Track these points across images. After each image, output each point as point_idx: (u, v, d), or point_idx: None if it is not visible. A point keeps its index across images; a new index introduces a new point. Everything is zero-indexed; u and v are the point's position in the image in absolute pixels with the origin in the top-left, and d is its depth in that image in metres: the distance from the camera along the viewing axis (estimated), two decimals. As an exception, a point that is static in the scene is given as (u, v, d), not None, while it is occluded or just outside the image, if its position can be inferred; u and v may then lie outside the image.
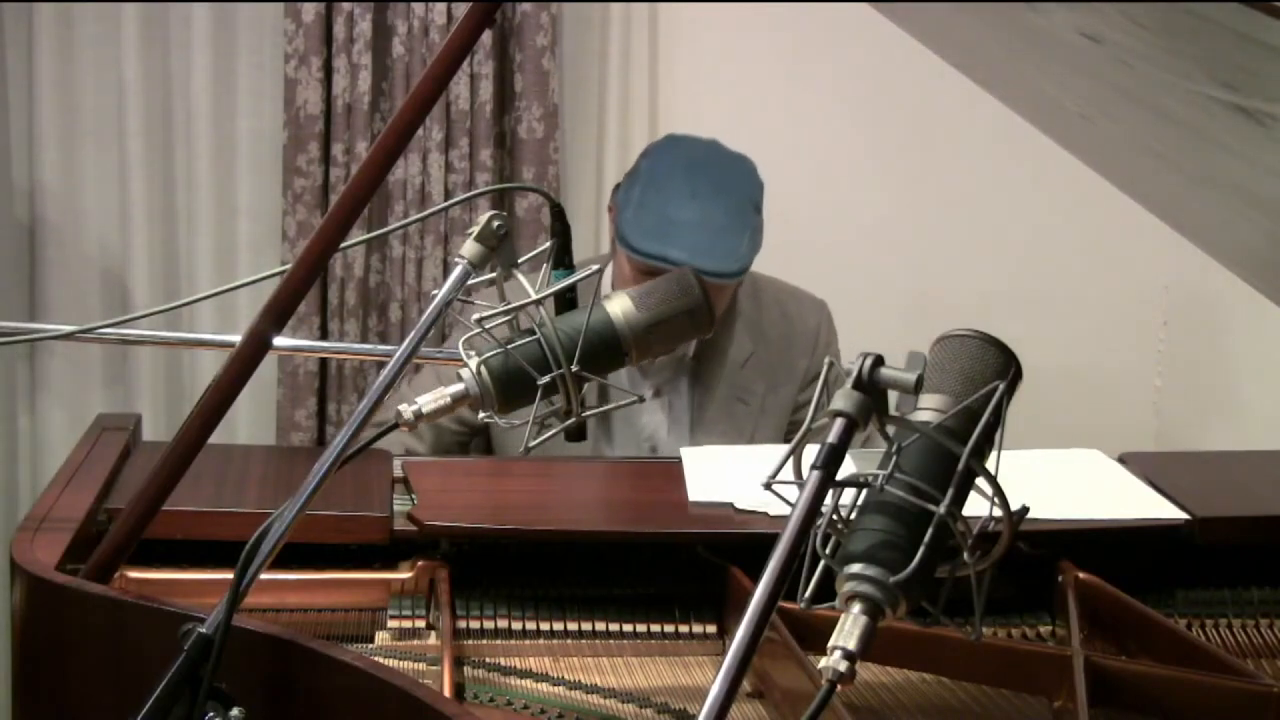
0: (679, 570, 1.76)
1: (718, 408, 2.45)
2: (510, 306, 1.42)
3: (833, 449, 1.04)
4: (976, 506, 1.05)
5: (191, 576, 1.67)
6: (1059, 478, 1.93)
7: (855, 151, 3.14)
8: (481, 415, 1.40)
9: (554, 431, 1.42)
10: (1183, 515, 1.83)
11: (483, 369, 1.39)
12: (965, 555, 1.05)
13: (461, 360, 1.40)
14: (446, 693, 1.48)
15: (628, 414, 2.44)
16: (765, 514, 1.75)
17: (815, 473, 1.03)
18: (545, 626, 1.70)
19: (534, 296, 1.41)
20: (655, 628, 1.72)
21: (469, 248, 1.44)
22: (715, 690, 0.97)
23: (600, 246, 3.06)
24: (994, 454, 1.07)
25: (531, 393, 1.38)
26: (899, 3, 1.62)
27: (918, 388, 1.07)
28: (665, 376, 2.45)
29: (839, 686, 0.96)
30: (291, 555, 1.46)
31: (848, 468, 1.05)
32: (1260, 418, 2.94)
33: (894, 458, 1.05)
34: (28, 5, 2.88)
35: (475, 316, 1.41)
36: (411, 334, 1.41)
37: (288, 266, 1.52)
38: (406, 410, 1.36)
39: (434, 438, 2.39)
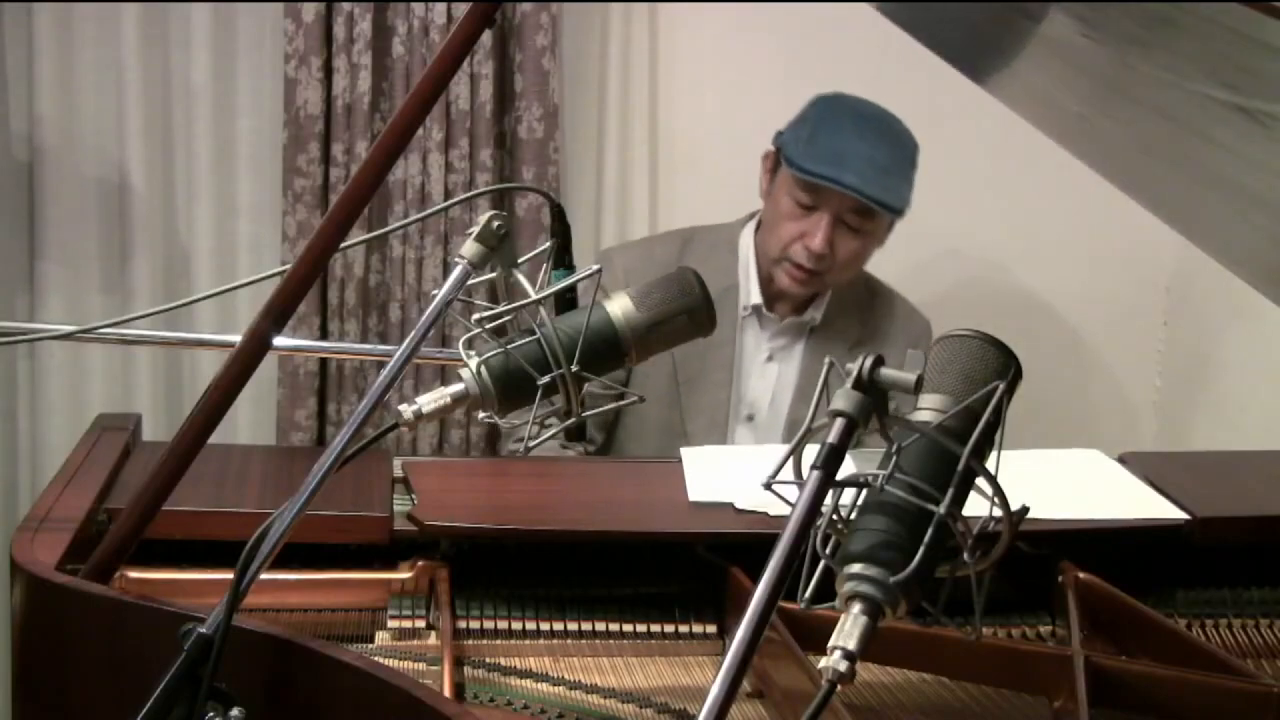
0: (679, 570, 1.76)
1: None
2: (510, 306, 1.42)
3: (833, 449, 1.04)
4: (976, 506, 1.05)
5: (191, 576, 1.67)
6: (1059, 478, 1.93)
7: (855, 151, 3.14)
8: (481, 415, 1.40)
9: (554, 431, 1.42)
10: (1183, 515, 1.82)
11: (483, 369, 1.39)
12: (965, 555, 1.05)
13: (462, 360, 1.40)
14: (446, 693, 1.48)
15: (736, 380, 2.56)
16: (765, 514, 1.75)
17: (815, 473, 1.03)
18: (545, 626, 1.70)
19: (534, 296, 1.41)
20: (655, 628, 1.72)
21: (469, 248, 1.44)
22: (715, 690, 0.97)
23: (601, 242, 3.06)
24: (994, 454, 1.07)
25: (531, 393, 1.38)
26: (899, 3, 1.62)
27: (918, 388, 1.07)
28: (783, 343, 2.60)
29: (839, 686, 0.96)
30: (291, 555, 1.46)
31: (848, 468, 1.05)
32: (1260, 418, 2.93)
33: (894, 458, 1.05)
34: (27, 5, 2.88)
35: (475, 316, 1.41)
36: (412, 334, 1.41)
37: (288, 266, 1.52)
38: (407, 410, 1.36)
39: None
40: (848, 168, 2.43)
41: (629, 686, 1.62)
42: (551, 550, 1.76)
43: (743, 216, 2.67)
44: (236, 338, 1.55)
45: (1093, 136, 1.51)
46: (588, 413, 1.43)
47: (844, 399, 1.05)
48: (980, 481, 1.05)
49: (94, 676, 1.45)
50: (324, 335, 2.97)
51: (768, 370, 2.60)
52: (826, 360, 1.09)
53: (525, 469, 2.04)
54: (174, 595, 1.55)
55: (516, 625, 1.70)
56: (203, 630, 1.23)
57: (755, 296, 2.56)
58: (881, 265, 2.86)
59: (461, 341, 1.41)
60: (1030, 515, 1.06)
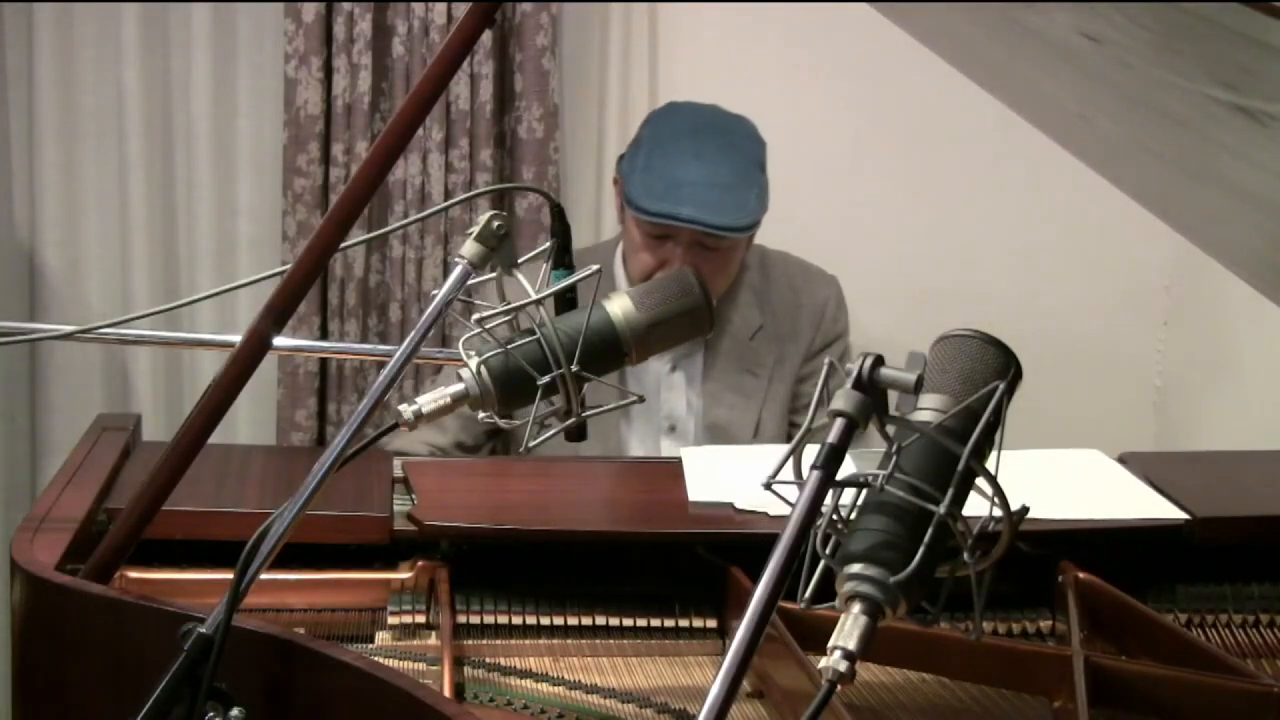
0: (679, 571, 1.76)
1: (728, 379, 2.51)
2: (510, 306, 1.42)
3: (833, 449, 1.04)
4: (976, 506, 1.05)
5: (191, 576, 1.67)
6: (1059, 478, 1.93)
7: (855, 151, 3.14)
8: (481, 415, 1.40)
9: (554, 431, 1.42)
10: (1183, 515, 1.83)
11: (483, 369, 1.39)
12: (965, 555, 1.05)
13: (462, 360, 1.40)
14: (446, 693, 1.48)
15: (646, 395, 2.47)
16: (765, 514, 1.75)
17: (815, 473, 1.03)
18: (545, 626, 1.70)
19: (534, 296, 1.41)
20: (655, 623, 1.72)
21: (469, 248, 1.44)
22: (715, 690, 0.97)
23: (602, 236, 3.06)
24: (994, 454, 1.07)
25: (531, 393, 1.38)
26: (899, 2, 1.62)
27: (918, 388, 1.07)
28: (682, 352, 2.50)
29: (839, 686, 0.96)
30: (291, 555, 1.46)
31: (848, 468, 1.05)
32: (1260, 418, 2.94)
33: (894, 458, 1.05)
34: (27, 5, 2.88)
35: (475, 316, 1.41)
36: (411, 334, 1.41)
37: (288, 266, 1.52)
38: (406, 410, 1.36)
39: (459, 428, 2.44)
40: (685, 199, 2.32)
41: (629, 686, 1.62)
42: (551, 550, 1.76)
43: (615, 236, 2.61)
44: (236, 338, 1.55)
45: (1093, 136, 1.51)
46: (588, 413, 1.43)
47: (844, 399, 1.05)
48: (980, 481, 1.05)
49: (94, 676, 1.45)
50: (324, 335, 2.97)
51: (674, 380, 2.52)
52: (826, 360, 1.09)
53: (525, 469, 2.04)
54: (174, 595, 1.55)
55: (517, 624, 1.70)
56: (203, 630, 1.23)
57: None
58: (885, 267, 2.87)
59: (461, 341, 1.41)
60: (1030, 515, 1.06)
